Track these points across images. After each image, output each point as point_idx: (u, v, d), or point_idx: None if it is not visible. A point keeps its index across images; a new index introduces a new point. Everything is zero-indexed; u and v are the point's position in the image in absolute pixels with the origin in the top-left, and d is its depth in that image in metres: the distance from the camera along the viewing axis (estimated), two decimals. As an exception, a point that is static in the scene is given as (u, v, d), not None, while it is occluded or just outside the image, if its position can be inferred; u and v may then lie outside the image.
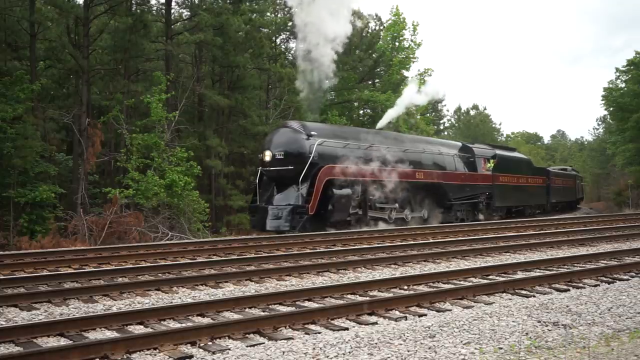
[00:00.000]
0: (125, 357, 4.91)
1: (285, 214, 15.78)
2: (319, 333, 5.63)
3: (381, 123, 23.95)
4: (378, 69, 36.77)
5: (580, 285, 8.05)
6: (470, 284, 7.97)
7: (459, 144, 25.71)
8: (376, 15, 40.25)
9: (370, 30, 36.72)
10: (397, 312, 6.45)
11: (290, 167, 16.28)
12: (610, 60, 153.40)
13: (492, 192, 24.09)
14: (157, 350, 5.08)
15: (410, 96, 25.51)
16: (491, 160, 24.78)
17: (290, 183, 16.43)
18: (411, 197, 20.06)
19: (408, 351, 4.97)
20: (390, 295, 7.21)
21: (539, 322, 5.96)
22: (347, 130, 20.79)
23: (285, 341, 5.31)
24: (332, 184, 16.49)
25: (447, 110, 71.59)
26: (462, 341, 5.30)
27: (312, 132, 16.84)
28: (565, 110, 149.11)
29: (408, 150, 20.30)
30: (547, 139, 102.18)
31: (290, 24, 28.79)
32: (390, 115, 24.71)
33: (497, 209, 24.78)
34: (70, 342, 5.30)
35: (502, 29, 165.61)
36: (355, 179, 17.43)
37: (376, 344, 5.17)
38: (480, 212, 23.59)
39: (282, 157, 16.40)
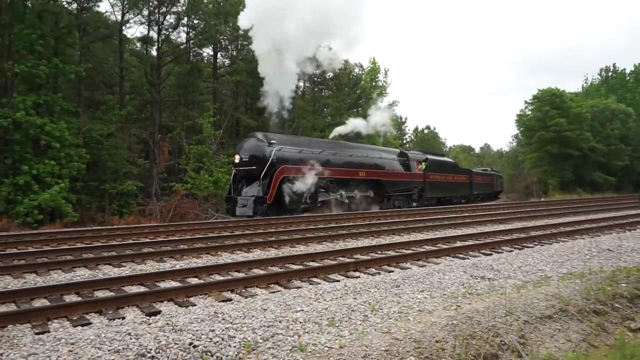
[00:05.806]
0: (185, 299, 4.91)
1: (249, 202, 14.73)
2: (319, 284, 5.63)
3: (332, 135, 22.74)
4: (360, 101, 36.62)
5: (500, 250, 8.04)
6: (424, 249, 7.96)
7: (398, 150, 24.09)
8: (359, 63, 39.97)
9: (354, 74, 36.64)
10: (373, 270, 6.45)
11: (254, 167, 15.10)
12: (525, 94, 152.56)
13: (423, 187, 22.89)
14: (207, 295, 5.08)
15: (357, 123, 23.69)
16: (423, 163, 23.32)
17: (255, 179, 15.24)
18: (356, 191, 18.58)
19: (381, 296, 4.97)
20: (369, 257, 7.18)
21: (471, 276, 5.96)
22: (304, 139, 18.62)
23: (296, 289, 5.31)
24: (287, 180, 15.36)
25: (408, 130, 71.40)
26: (418, 289, 5.30)
27: (272, 141, 15.61)
28: (490, 128, 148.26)
29: (353, 155, 18.82)
30: (477, 149, 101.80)
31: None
32: (338, 130, 23.16)
33: (428, 199, 23.51)
34: (147, 289, 5.30)
35: (450, 67, 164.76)
36: (306, 177, 16.19)
37: (359, 291, 5.17)
38: (414, 202, 22.31)
39: (247, 159, 15.23)
